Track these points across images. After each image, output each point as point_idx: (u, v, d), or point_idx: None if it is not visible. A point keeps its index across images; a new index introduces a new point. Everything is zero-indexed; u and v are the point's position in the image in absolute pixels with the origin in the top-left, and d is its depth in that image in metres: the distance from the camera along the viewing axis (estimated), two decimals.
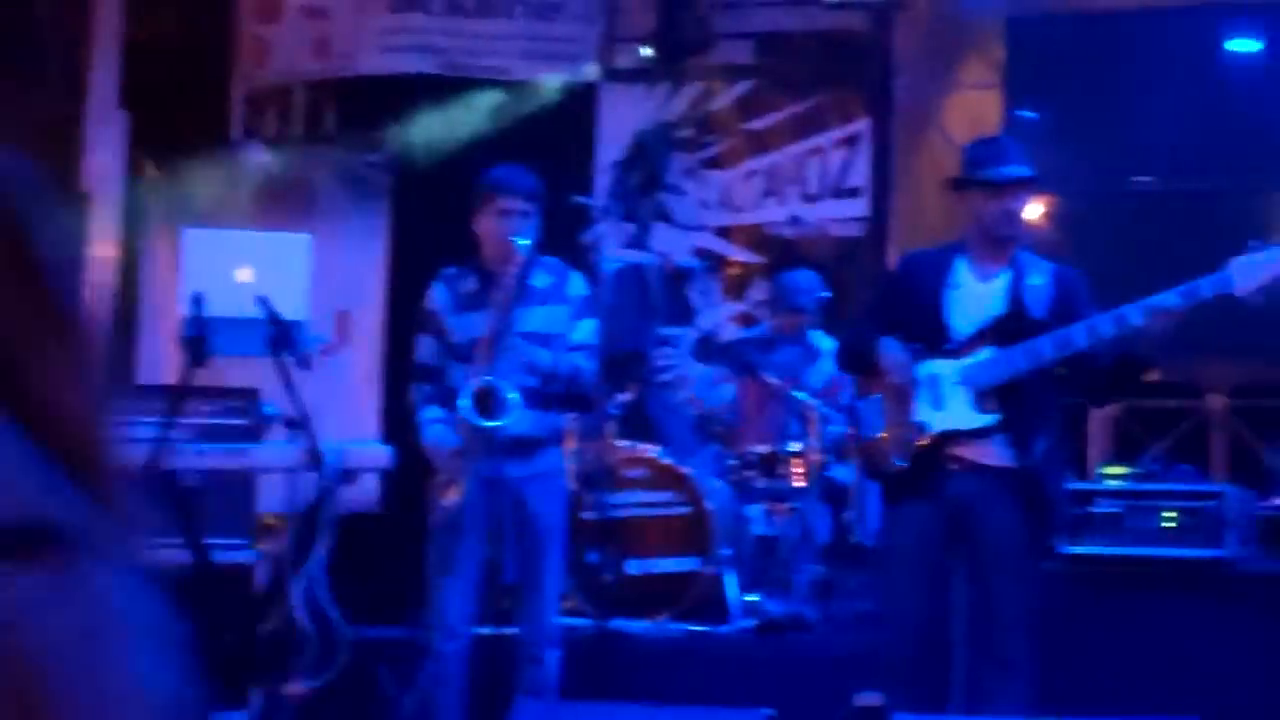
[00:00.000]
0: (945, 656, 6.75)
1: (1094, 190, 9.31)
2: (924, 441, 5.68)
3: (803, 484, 8.00)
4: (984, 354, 5.62)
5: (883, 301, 6.07)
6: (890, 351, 5.72)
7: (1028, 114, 9.57)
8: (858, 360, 5.95)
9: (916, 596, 5.76)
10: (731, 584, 7.85)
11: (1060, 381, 5.73)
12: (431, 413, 6.25)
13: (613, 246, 10.16)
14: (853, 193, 9.99)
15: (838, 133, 10.08)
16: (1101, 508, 7.18)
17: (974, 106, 9.89)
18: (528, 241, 6.14)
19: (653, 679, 7.15)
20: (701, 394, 8.81)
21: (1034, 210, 9.26)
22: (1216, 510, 7.09)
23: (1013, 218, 5.73)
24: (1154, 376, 9.70)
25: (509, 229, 6.15)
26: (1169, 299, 5.35)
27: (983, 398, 5.62)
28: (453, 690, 6.20)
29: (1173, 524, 7.11)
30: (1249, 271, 5.26)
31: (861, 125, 10.03)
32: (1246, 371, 9.17)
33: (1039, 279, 5.72)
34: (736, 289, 10.21)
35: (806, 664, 7.32)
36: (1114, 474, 7.45)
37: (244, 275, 6.43)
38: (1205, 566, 7.03)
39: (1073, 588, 7.09)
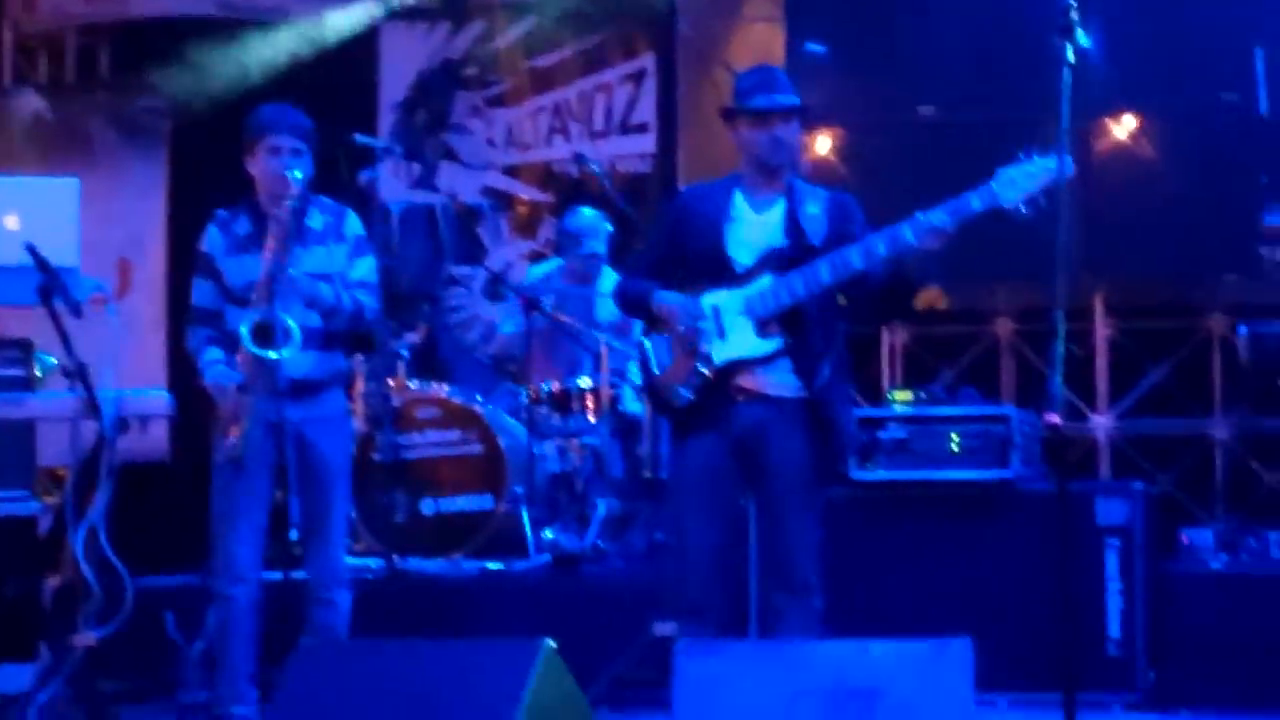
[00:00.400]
0: (743, 585, 6.80)
1: (878, 121, 9.36)
2: (709, 373, 5.68)
3: (595, 419, 8.01)
4: (764, 282, 5.63)
5: (661, 238, 6.05)
6: (668, 302, 5.73)
7: (812, 46, 9.59)
8: (634, 308, 5.96)
9: (706, 527, 5.76)
10: (526, 521, 7.85)
11: (841, 308, 5.78)
12: (212, 354, 6.17)
13: (399, 187, 10.08)
14: (640, 129, 9.99)
15: (623, 69, 10.07)
16: (889, 433, 7.24)
17: (758, 40, 9.92)
18: (300, 175, 6.07)
19: (448, 617, 7.14)
20: (493, 332, 8.78)
21: (821, 143, 9.35)
22: (1002, 432, 7.18)
23: (781, 146, 5.74)
24: (943, 304, 9.86)
25: (280, 166, 6.08)
26: (938, 215, 5.40)
27: (765, 325, 5.63)
28: (241, 636, 6.12)
29: (958, 447, 7.20)
30: (1015, 183, 5.31)
31: (646, 61, 10.03)
32: (1032, 296, 9.30)
33: (814, 206, 5.74)
34: (526, 227, 10.17)
35: (603, 597, 7.34)
36: (902, 399, 7.50)
37: (11, 222, 6.26)
38: (991, 488, 7.13)
39: (863, 512, 7.15)
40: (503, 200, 10.20)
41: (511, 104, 10.23)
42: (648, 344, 5.86)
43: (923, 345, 9.78)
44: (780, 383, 5.66)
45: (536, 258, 9.78)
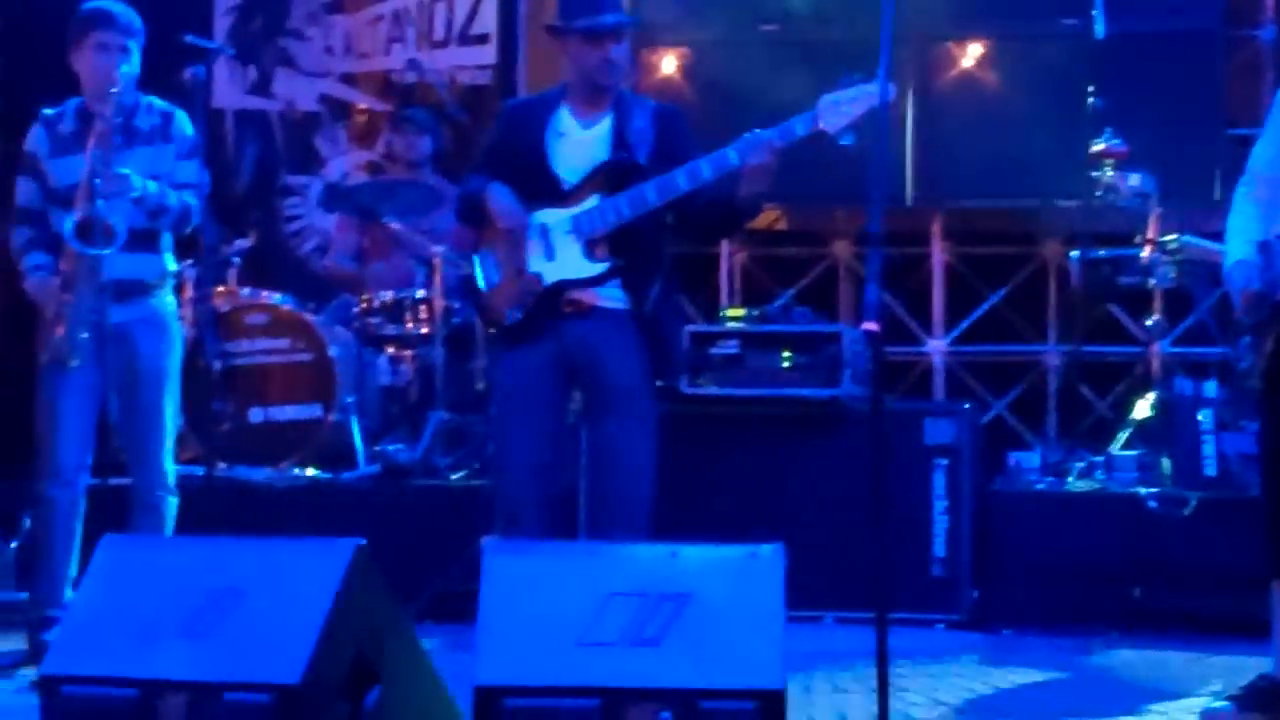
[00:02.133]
0: (572, 499, 6.77)
1: (722, 39, 9.29)
2: (539, 292, 5.64)
3: (428, 330, 7.93)
4: (591, 202, 5.61)
5: (490, 152, 6.00)
6: (499, 197, 5.68)
7: None
8: (471, 209, 5.87)
9: (529, 439, 5.72)
10: (356, 431, 7.77)
11: (670, 227, 5.76)
12: (35, 259, 6.13)
13: (236, 93, 9.90)
14: (480, 40, 9.84)
15: None
16: (721, 349, 7.27)
17: None
18: (129, 70, 5.98)
19: (274, 527, 7.04)
20: (328, 243, 8.68)
21: (667, 62, 9.28)
22: (833, 351, 7.23)
23: (611, 66, 5.71)
24: (782, 225, 9.87)
25: (107, 64, 6.00)
26: (761, 138, 5.39)
27: (593, 246, 5.61)
28: (62, 539, 6.05)
29: (790, 364, 7.23)
30: (836, 109, 5.31)
31: None
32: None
33: (641, 121, 5.71)
34: (363, 136, 10.01)
35: (433, 510, 7.30)
36: (735, 316, 7.53)
37: None
38: (822, 405, 7.18)
39: (695, 428, 7.16)
40: (340, 109, 10.03)
41: (350, 11, 10.02)
42: (475, 260, 5.81)
43: (761, 266, 9.79)
44: (609, 297, 5.64)
45: (373, 168, 9.66)
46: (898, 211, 9.07)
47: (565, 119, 5.76)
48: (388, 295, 7.97)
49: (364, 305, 7.96)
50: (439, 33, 9.91)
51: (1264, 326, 5.07)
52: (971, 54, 9.16)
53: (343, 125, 10.01)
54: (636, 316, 5.63)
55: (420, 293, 7.95)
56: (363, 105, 10.00)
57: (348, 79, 10.07)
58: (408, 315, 7.95)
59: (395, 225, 8.06)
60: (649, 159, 5.61)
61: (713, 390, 7.20)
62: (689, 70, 9.26)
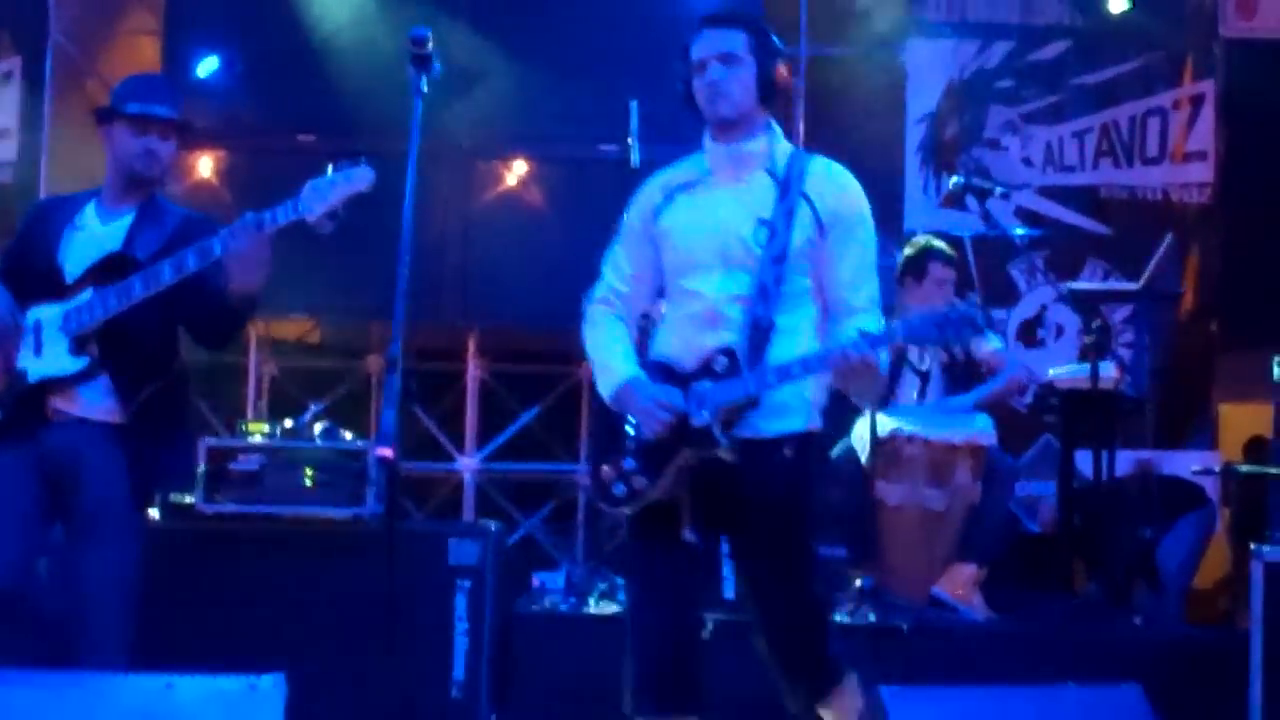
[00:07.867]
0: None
1: (260, 145, 9.14)
2: (20, 391, 5.34)
3: None
4: (84, 296, 5.36)
5: (10, 249, 5.71)
6: None
7: (201, 65, 9.25)
8: None
9: (5, 558, 5.34)
10: None
11: (175, 330, 5.52)
12: None
13: None
14: (1, 135, 9.51)
15: None
16: (241, 465, 7.04)
17: (138, 53, 9.66)
18: None
19: None
20: None
21: (204, 164, 9.07)
22: (358, 469, 7.09)
23: (154, 157, 5.50)
24: (315, 337, 9.73)
25: None
26: (243, 222, 5.11)
27: (79, 342, 5.35)
28: None
29: (312, 481, 7.05)
30: (318, 194, 5.06)
31: (13, 64, 9.55)
32: (407, 334, 9.24)
33: (161, 222, 5.50)
34: None
35: None
36: (257, 430, 7.30)
37: None
38: (344, 524, 7.02)
39: (212, 546, 6.90)
40: None
41: None
42: None
43: (292, 378, 9.62)
44: (95, 404, 5.36)
45: None
46: (435, 327, 9.04)
47: (89, 214, 5.54)
48: None
49: None
50: None
51: (665, 448, 4.79)
52: (517, 172, 9.22)
53: None
54: (123, 427, 5.35)
55: None
56: None
57: None
58: None
59: None
60: (150, 258, 5.36)
61: (230, 507, 6.96)
62: (225, 174, 9.09)
